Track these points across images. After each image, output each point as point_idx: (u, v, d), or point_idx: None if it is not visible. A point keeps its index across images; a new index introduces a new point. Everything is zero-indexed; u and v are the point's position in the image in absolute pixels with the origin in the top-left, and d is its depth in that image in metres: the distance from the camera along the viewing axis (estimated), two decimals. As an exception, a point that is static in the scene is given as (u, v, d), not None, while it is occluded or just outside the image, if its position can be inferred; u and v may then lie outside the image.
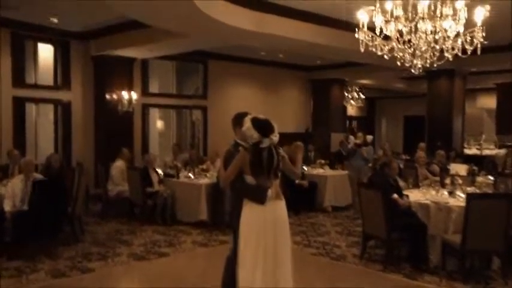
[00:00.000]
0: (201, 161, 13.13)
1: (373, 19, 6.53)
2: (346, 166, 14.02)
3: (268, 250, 4.95)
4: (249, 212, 5.03)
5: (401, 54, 6.86)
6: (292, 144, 5.63)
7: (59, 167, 10.58)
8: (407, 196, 8.26)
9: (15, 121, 13.46)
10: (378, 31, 6.65)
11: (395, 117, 30.54)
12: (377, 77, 22.24)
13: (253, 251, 4.97)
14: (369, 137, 14.38)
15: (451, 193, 8.31)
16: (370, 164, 13.97)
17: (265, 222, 4.98)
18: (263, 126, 5.00)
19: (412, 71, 7.09)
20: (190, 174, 11.61)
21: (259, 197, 4.99)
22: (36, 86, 14.09)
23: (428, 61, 6.78)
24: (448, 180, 9.13)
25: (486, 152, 19.45)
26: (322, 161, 14.14)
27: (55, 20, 12.98)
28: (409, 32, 6.48)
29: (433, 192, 8.32)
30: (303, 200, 12.54)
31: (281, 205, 5.11)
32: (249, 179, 5.03)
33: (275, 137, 5.01)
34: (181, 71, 17.91)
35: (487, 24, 6.31)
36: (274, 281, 4.94)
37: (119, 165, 12.04)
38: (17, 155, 10.75)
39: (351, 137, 18.50)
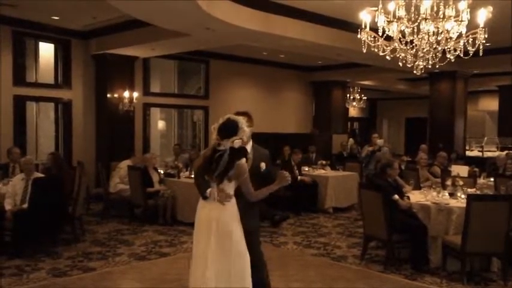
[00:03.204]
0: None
1: (376, 20, 6.51)
2: (363, 171, 13.95)
3: (202, 249, 4.81)
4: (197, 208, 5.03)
5: (403, 55, 6.84)
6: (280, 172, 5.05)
7: (55, 166, 10.38)
8: (408, 197, 8.25)
9: (16, 120, 13.43)
10: (380, 32, 6.64)
11: (397, 119, 30.58)
12: (379, 78, 22.29)
13: (194, 248, 4.97)
14: (380, 141, 14.26)
15: (451, 194, 8.29)
16: None
17: (199, 220, 4.93)
18: (223, 128, 4.79)
19: (414, 71, 7.08)
20: (191, 175, 11.60)
21: (200, 190, 4.94)
22: (37, 85, 14.07)
23: (430, 62, 6.77)
24: (449, 182, 9.11)
25: (488, 154, 19.46)
26: (323, 162, 14.10)
27: (56, 19, 12.98)
28: (412, 33, 6.46)
29: (434, 194, 8.30)
30: (304, 200, 12.54)
31: (220, 208, 4.78)
32: None
33: (237, 141, 4.70)
34: (183, 70, 17.91)
35: (489, 26, 6.30)
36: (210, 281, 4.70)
37: (128, 162, 12.05)
38: (17, 153, 10.71)
39: (351, 140, 18.52)
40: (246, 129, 4.82)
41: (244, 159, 4.76)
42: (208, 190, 4.82)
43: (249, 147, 5.12)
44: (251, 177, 4.84)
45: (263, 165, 5.10)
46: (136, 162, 12.19)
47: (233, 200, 4.83)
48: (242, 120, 4.87)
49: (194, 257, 4.89)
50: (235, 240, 4.77)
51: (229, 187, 4.79)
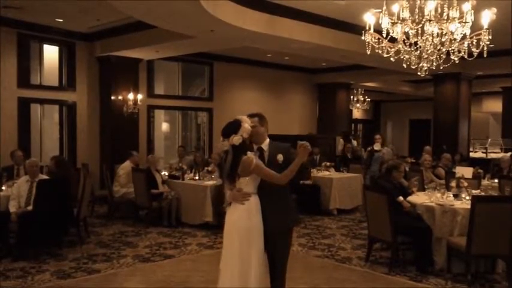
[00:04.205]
0: (206, 163, 13.11)
1: (380, 21, 6.51)
2: (367, 173, 13.88)
3: (225, 251, 4.88)
4: None
5: (407, 56, 6.83)
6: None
7: (58, 169, 10.33)
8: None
9: (20, 122, 13.47)
10: (384, 33, 6.63)
11: (401, 121, 30.55)
12: (383, 80, 22.26)
13: (222, 251, 4.97)
14: (376, 146, 14.19)
15: (456, 196, 8.26)
16: None
17: (226, 225, 4.93)
18: (225, 128, 4.86)
19: (418, 73, 7.07)
20: (196, 176, 11.61)
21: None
22: (41, 87, 14.12)
23: (434, 64, 6.75)
24: (453, 183, 9.08)
25: (491, 155, 19.42)
26: (327, 164, 14.07)
27: (60, 21, 13.02)
28: (416, 35, 6.45)
29: (439, 195, 8.28)
30: (308, 202, 12.51)
31: (240, 208, 4.81)
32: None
33: (236, 138, 4.74)
34: (187, 72, 17.91)
35: (493, 28, 6.28)
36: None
37: (127, 165, 12.04)
38: (21, 155, 10.73)
39: (340, 140, 18.50)
40: (246, 126, 4.82)
41: (249, 154, 4.78)
42: (227, 194, 4.88)
43: (265, 144, 5.13)
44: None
45: (280, 157, 5.03)
46: (135, 162, 12.22)
47: (253, 199, 4.83)
48: (245, 119, 4.90)
49: (222, 260, 4.92)
50: (255, 242, 4.79)
51: (247, 186, 4.81)
